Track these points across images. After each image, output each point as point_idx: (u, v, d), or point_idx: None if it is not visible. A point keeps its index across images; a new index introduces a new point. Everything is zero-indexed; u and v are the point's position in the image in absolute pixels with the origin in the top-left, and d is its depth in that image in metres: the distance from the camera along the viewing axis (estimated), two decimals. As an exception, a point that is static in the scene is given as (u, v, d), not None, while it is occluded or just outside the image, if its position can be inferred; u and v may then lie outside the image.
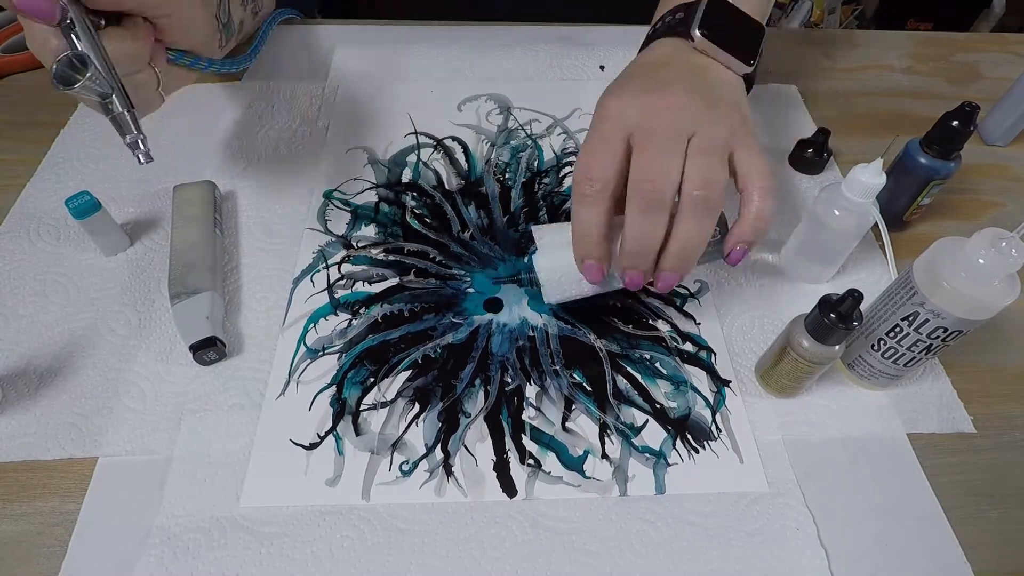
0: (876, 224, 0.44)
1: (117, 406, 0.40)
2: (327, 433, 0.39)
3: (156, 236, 0.49)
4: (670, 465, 0.39)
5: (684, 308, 0.47)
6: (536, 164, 0.56)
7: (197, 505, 0.36)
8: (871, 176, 0.41)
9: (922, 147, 0.47)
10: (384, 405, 0.41)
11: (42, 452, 0.38)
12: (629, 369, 0.43)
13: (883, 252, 0.48)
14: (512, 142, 0.58)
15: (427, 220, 0.51)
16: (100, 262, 0.47)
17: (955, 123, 0.45)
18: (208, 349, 0.41)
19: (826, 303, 0.36)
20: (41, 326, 0.43)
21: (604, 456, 0.39)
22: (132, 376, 0.41)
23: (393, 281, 0.47)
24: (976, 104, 0.44)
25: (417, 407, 0.41)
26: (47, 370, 0.41)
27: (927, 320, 0.37)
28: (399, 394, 0.41)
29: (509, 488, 0.38)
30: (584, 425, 0.41)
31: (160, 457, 0.38)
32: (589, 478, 0.38)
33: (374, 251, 0.49)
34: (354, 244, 0.49)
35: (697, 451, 0.40)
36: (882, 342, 0.40)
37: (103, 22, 0.34)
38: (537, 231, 0.41)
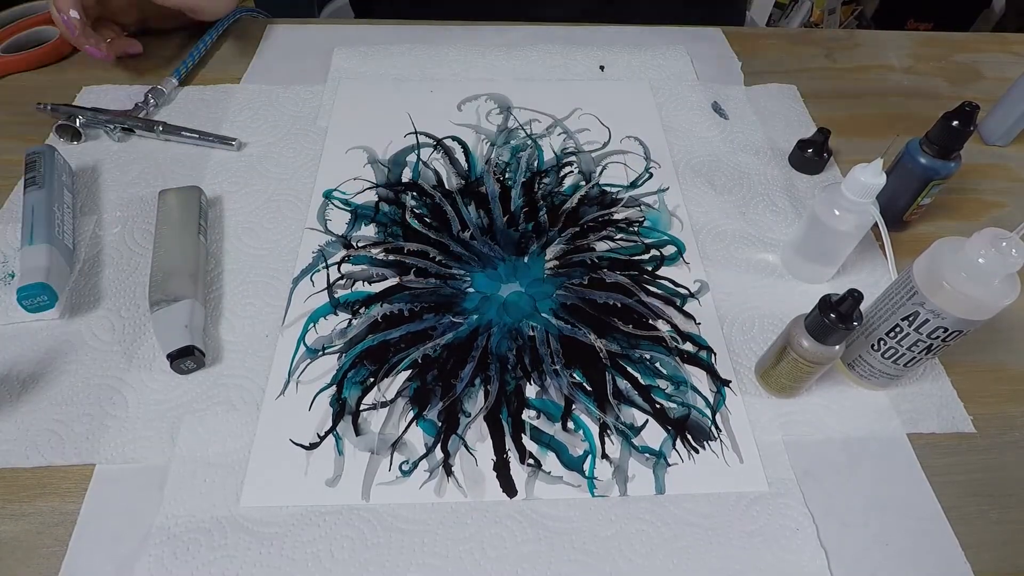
0: (876, 224, 0.44)
1: (98, 413, 0.39)
2: (327, 433, 0.39)
3: (143, 240, 0.49)
4: (670, 465, 0.39)
5: (684, 308, 0.47)
6: (536, 164, 0.56)
7: (197, 505, 0.36)
8: (871, 176, 0.41)
9: (922, 147, 0.47)
10: (384, 405, 0.41)
11: (21, 460, 0.37)
12: (629, 369, 0.43)
13: (883, 252, 0.48)
14: (512, 142, 0.58)
15: (427, 220, 0.51)
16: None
17: (955, 123, 0.45)
18: (186, 358, 0.40)
19: (826, 303, 0.36)
20: (25, 332, 0.43)
21: (604, 456, 0.39)
22: (114, 383, 0.41)
23: (393, 281, 0.47)
24: (976, 104, 0.44)
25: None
26: (29, 376, 0.41)
27: (927, 320, 0.37)
28: (399, 394, 0.41)
29: (509, 488, 0.38)
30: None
31: (150, 465, 0.38)
32: (590, 478, 0.38)
33: (374, 251, 0.49)
34: (354, 244, 0.49)
35: (697, 451, 0.40)
36: (882, 342, 0.40)
37: None
38: None
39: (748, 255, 0.51)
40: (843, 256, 0.47)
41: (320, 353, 0.43)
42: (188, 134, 0.56)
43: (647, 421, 0.41)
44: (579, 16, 0.72)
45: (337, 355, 0.43)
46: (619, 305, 0.46)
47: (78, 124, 0.54)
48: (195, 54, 0.63)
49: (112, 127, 0.55)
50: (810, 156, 0.56)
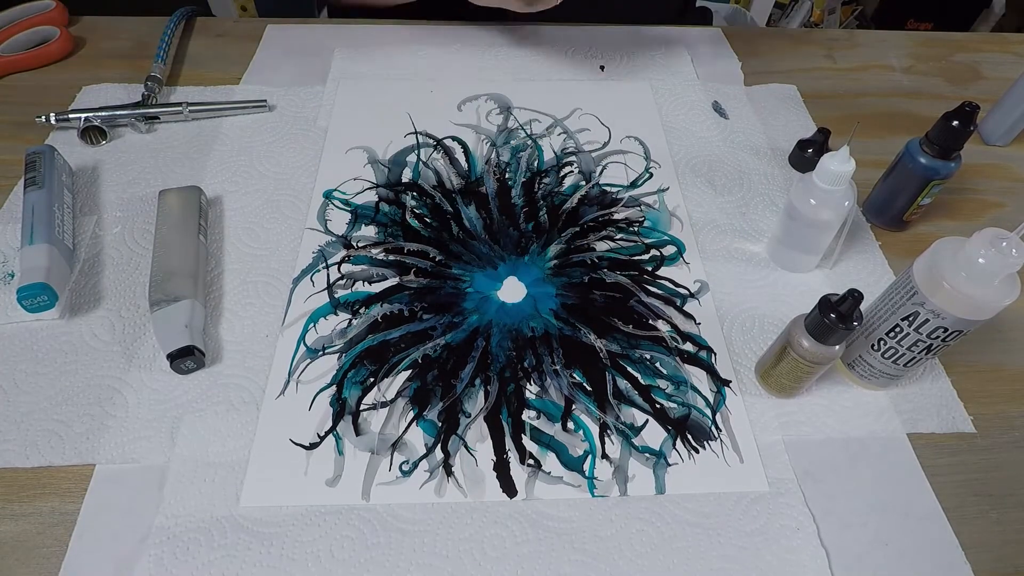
0: (871, 222, 0.44)
1: (98, 413, 0.40)
2: (327, 433, 0.39)
3: (143, 240, 0.49)
4: (670, 465, 0.39)
5: (684, 308, 0.47)
6: (536, 164, 0.56)
7: (197, 505, 0.36)
8: (839, 164, 0.41)
9: (922, 147, 0.47)
10: (384, 405, 0.41)
11: (21, 460, 0.38)
12: (629, 369, 0.43)
13: (879, 251, 0.48)
14: (512, 142, 0.58)
15: (427, 220, 0.51)
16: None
17: (955, 123, 0.45)
18: (186, 358, 0.40)
19: (826, 303, 0.36)
20: (25, 331, 0.43)
21: (604, 456, 0.39)
22: (114, 383, 0.41)
23: (393, 281, 0.47)
24: (976, 104, 0.44)
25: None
26: (30, 376, 0.41)
27: (927, 320, 0.37)
28: (399, 394, 0.41)
29: (509, 488, 0.38)
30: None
31: (151, 464, 0.38)
32: (590, 478, 0.38)
33: (374, 251, 0.49)
34: (354, 244, 0.49)
35: (697, 451, 0.40)
36: (882, 342, 0.40)
37: None
38: None
39: (748, 255, 0.51)
40: (824, 245, 0.47)
41: (320, 353, 0.43)
42: (216, 107, 0.57)
43: (647, 421, 0.41)
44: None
45: (337, 355, 0.43)
46: (619, 305, 0.46)
47: (99, 123, 0.54)
48: (167, 35, 0.63)
49: (138, 119, 0.55)
50: (810, 156, 0.56)
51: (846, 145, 0.41)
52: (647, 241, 0.51)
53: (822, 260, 0.49)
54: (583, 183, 0.55)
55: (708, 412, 0.41)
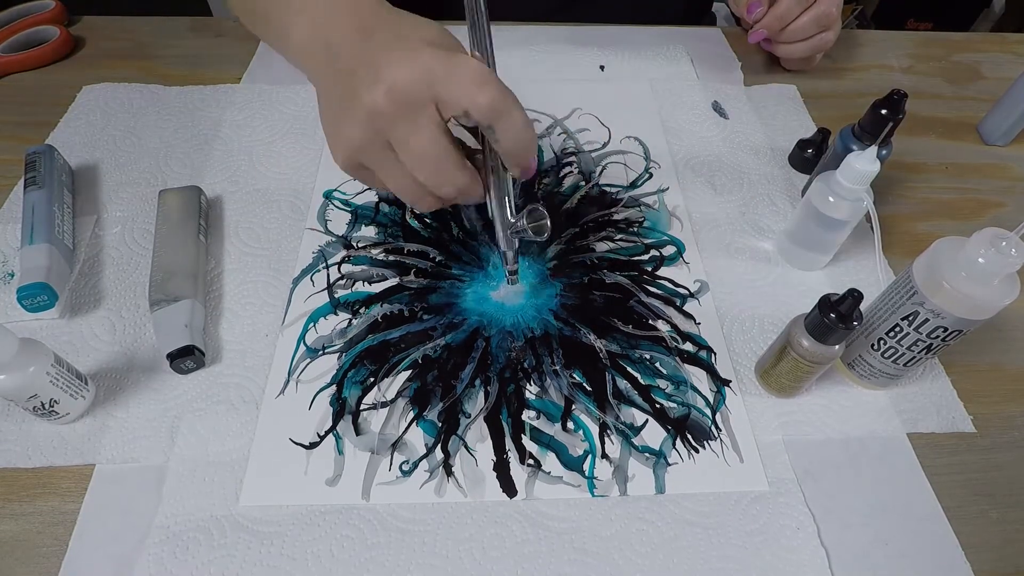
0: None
1: (98, 413, 0.40)
2: (327, 433, 0.39)
3: (143, 240, 0.49)
4: (670, 465, 0.39)
5: (684, 308, 0.47)
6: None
7: (197, 504, 0.36)
8: (866, 163, 0.41)
9: (854, 135, 0.48)
10: (384, 405, 0.41)
11: (22, 460, 0.38)
12: (629, 369, 0.43)
13: (877, 247, 0.48)
14: (512, 142, 0.58)
15: (427, 220, 0.51)
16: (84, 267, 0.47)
17: (883, 111, 0.45)
18: (186, 358, 0.40)
19: (826, 303, 0.36)
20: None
21: (604, 456, 0.39)
22: (114, 383, 0.41)
23: (393, 281, 0.47)
24: (904, 92, 0.44)
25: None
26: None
27: (927, 320, 0.37)
28: (399, 394, 0.41)
29: (509, 488, 0.38)
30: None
31: (151, 464, 0.38)
32: (590, 478, 0.38)
33: (374, 251, 0.49)
34: (354, 244, 0.49)
35: (697, 451, 0.40)
36: (882, 342, 0.40)
37: None
38: None
39: (748, 255, 0.51)
40: (837, 244, 0.47)
41: (320, 353, 0.43)
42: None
43: (647, 421, 0.41)
44: (543, 15, 0.72)
45: (337, 355, 0.43)
46: (619, 305, 0.46)
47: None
48: None
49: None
50: (810, 156, 0.56)
51: (874, 146, 0.41)
52: (647, 241, 0.51)
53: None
54: (583, 183, 0.55)
55: (708, 412, 0.41)
